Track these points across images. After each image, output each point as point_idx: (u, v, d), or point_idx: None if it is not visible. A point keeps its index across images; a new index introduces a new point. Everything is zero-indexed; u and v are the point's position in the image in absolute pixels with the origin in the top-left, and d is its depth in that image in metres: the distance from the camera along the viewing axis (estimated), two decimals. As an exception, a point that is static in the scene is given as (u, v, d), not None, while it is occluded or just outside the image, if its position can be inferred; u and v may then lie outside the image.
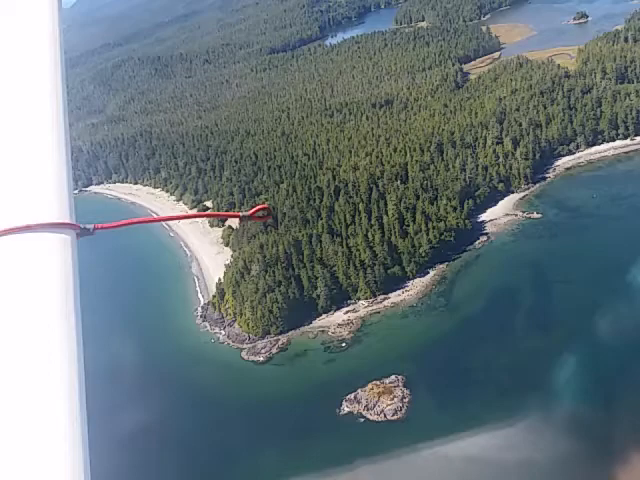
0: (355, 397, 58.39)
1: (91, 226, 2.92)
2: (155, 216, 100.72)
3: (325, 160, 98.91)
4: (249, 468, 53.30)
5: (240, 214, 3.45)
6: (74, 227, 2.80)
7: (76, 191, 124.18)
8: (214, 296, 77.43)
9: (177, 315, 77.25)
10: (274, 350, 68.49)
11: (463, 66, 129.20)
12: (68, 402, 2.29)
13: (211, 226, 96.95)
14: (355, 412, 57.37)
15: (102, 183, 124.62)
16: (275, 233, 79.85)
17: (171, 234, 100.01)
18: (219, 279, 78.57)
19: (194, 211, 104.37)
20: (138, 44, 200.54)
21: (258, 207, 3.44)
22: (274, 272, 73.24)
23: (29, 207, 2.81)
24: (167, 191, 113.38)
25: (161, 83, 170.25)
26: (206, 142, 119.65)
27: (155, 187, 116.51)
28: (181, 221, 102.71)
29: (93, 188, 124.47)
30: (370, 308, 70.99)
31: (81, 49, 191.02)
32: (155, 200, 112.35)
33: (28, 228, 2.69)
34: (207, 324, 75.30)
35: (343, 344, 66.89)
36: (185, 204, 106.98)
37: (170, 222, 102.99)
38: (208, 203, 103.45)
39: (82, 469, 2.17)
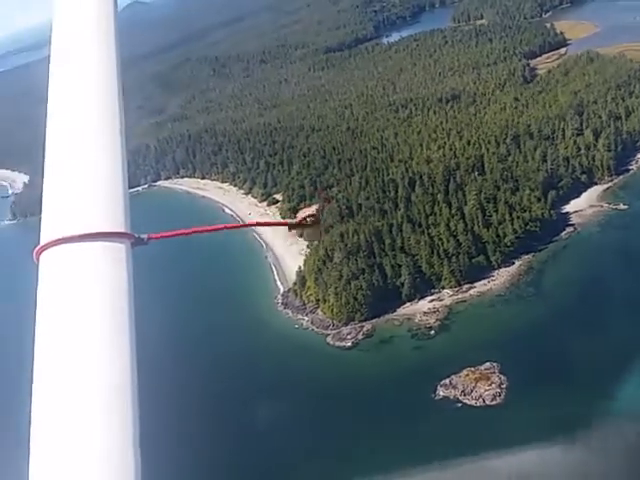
0: (450, 382, 57.98)
1: (145, 236, 2.98)
2: (226, 216, 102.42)
3: (395, 153, 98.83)
4: (347, 452, 53.26)
5: (288, 222, 3.34)
6: (129, 237, 2.84)
7: (145, 186, 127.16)
8: (295, 283, 78.03)
9: (259, 303, 77.96)
10: (360, 336, 68.50)
11: (529, 61, 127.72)
12: (120, 406, 2.32)
13: (283, 218, 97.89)
14: (451, 397, 56.93)
15: (170, 178, 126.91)
16: (354, 222, 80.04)
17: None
18: (299, 267, 79.15)
19: (264, 204, 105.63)
20: (195, 46, 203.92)
21: (306, 214, 3.35)
22: (356, 260, 73.38)
23: (86, 216, 2.83)
24: (235, 185, 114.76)
25: (220, 83, 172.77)
26: (271, 138, 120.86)
27: (222, 181, 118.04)
28: (251, 214, 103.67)
29: (162, 183, 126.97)
30: (455, 297, 70.42)
31: (139, 51, 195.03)
32: (224, 194, 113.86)
33: (85, 237, 2.71)
34: (289, 311, 75.84)
35: (431, 332, 66.51)
36: (254, 197, 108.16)
37: (243, 213, 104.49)
38: (278, 196, 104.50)
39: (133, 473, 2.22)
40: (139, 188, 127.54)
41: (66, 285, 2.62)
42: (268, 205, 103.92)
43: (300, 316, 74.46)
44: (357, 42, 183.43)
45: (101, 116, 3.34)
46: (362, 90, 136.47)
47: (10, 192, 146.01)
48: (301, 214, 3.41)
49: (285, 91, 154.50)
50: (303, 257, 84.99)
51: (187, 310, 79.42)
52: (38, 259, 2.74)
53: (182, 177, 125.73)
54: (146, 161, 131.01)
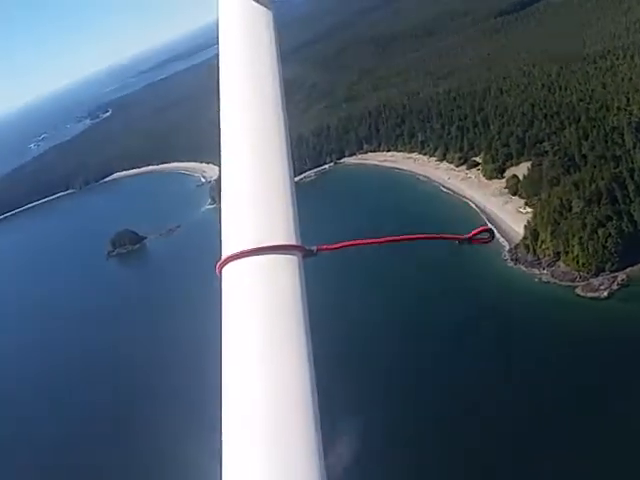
0: None
1: (314, 247, 2.90)
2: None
3: (610, 102, 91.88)
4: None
5: (460, 237, 3.08)
6: (300, 249, 2.83)
7: (331, 164, 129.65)
8: (525, 238, 74.82)
9: (486, 262, 75.54)
10: (614, 286, 63.94)
11: None
12: (301, 414, 2.36)
13: (489, 179, 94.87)
14: None
15: (354, 154, 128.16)
16: (587, 171, 75.13)
17: (443, 189, 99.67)
18: (527, 221, 75.84)
19: (462, 168, 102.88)
20: (355, 28, 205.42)
21: (479, 229, 3.04)
22: (599, 208, 68.66)
23: (262, 230, 2.85)
24: (425, 153, 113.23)
25: (384, 61, 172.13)
26: (455, 103, 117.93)
27: (410, 151, 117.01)
28: (450, 178, 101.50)
29: (346, 160, 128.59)
30: None
31: (301, 39, 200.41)
32: (414, 163, 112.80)
33: (262, 250, 2.75)
34: (522, 266, 72.86)
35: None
36: (449, 162, 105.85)
37: (440, 178, 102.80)
38: (476, 159, 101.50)
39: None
40: (325, 166, 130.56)
41: (247, 297, 2.69)
42: (468, 168, 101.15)
43: (536, 270, 71.23)
44: (524, 4, 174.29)
45: (269, 125, 3.27)
46: (546, 47, 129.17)
47: (203, 181, 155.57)
48: (475, 230, 3.02)
49: (458, 59, 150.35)
50: (522, 213, 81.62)
51: (406, 277, 78.57)
52: (220, 272, 2.83)
53: (366, 152, 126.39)
54: (328, 140, 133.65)
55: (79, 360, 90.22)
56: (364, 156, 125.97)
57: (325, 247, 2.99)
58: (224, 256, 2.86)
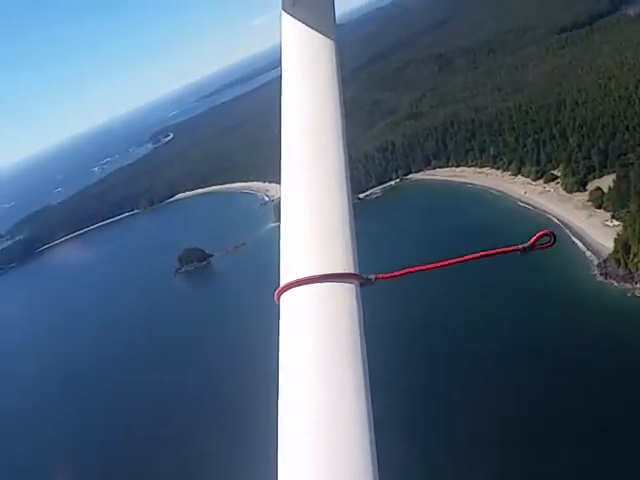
0: None
1: (372, 276, 2.91)
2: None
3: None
4: None
5: (520, 247, 2.95)
6: (357, 277, 2.85)
7: (398, 180, 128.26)
8: (615, 251, 71.28)
9: (574, 277, 72.26)
10: None
11: None
12: (358, 442, 2.35)
13: (569, 192, 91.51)
14: None
15: (421, 170, 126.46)
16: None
17: (520, 203, 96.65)
18: (617, 234, 72.35)
19: (540, 181, 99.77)
20: (416, 46, 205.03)
21: (539, 234, 2.91)
22: (699, 219, 64.81)
23: (320, 258, 2.89)
24: (498, 168, 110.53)
25: (449, 78, 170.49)
26: (528, 117, 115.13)
27: (481, 166, 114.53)
28: (527, 192, 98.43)
29: (413, 176, 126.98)
30: None
31: (362, 59, 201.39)
32: (487, 177, 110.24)
33: (321, 278, 2.79)
34: (613, 281, 69.31)
35: None
36: (525, 176, 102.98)
37: (517, 193, 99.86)
38: (555, 172, 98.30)
39: None
40: (392, 182, 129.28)
41: (304, 326, 2.71)
42: (546, 182, 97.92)
43: (629, 285, 67.64)
44: (592, 19, 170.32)
45: (329, 152, 3.29)
46: (621, 61, 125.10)
47: (266, 200, 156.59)
48: (534, 237, 2.93)
49: (525, 75, 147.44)
50: (609, 227, 78.07)
51: (494, 299, 75.78)
52: (278, 299, 2.87)
53: (434, 168, 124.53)
54: (394, 157, 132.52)
55: (148, 373, 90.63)
56: (432, 172, 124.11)
57: (383, 276, 2.97)
58: (282, 283, 2.87)
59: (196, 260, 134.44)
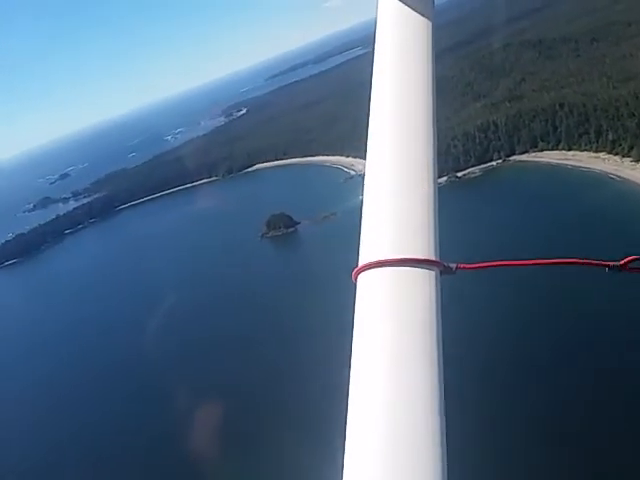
0: None
1: (454, 265, 2.85)
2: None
3: None
4: None
5: (610, 264, 2.86)
6: (438, 265, 2.80)
7: (500, 160, 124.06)
8: None
9: None
10: None
11: None
12: (429, 434, 2.31)
13: None
14: None
15: (526, 152, 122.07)
16: None
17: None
18: None
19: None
20: (514, 30, 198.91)
21: (631, 258, 2.82)
22: None
23: (401, 241, 2.83)
24: (616, 154, 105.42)
25: (549, 64, 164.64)
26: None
27: (596, 151, 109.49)
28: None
29: (517, 157, 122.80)
30: None
31: (458, 38, 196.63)
32: (604, 163, 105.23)
33: (400, 262, 2.74)
34: None
35: None
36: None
37: (635, 181, 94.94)
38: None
39: None
40: (493, 163, 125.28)
41: (381, 308, 2.67)
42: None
43: None
44: None
45: (417, 134, 3.21)
46: None
47: (352, 174, 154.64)
48: (627, 258, 2.81)
49: (635, 64, 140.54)
50: None
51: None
52: (356, 279, 2.85)
53: (541, 150, 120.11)
54: (496, 137, 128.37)
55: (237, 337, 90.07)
56: (538, 154, 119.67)
57: (466, 266, 2.86)
58: (361, 263, 2.81)
59: (284, 226, 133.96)
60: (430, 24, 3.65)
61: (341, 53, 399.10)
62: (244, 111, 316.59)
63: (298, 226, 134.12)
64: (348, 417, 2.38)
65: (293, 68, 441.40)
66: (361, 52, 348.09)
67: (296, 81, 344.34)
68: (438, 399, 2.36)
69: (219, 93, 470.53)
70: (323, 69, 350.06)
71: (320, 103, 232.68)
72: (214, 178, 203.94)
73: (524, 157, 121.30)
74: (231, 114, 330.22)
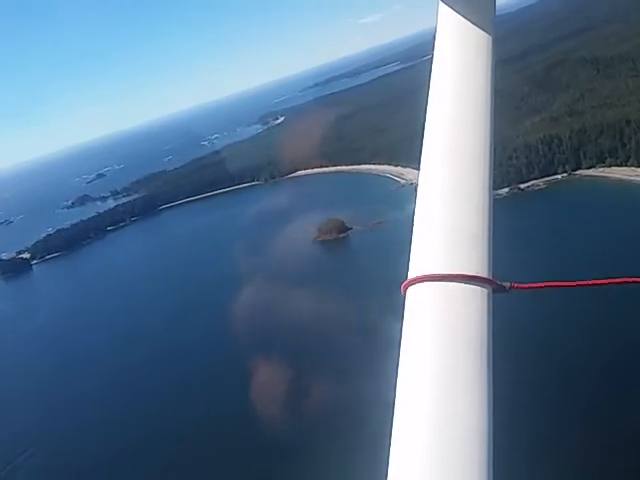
0: None
1: (508, 284, 2.78)
2: None
3: None
4: None
5: None
6: (491, 283, 2.73)
7: (565, 174, 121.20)
8: None
9: None
10: None
11: None
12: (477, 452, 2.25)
13: None
14: None
15: (593, 167, 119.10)
16: None
17: None
18: None
19: None
20: (570, 46, 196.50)
21: None
22: None
23: (452, 256, 2.76)
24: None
25: (608, 82, 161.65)
26: None
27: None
28: None
29: (582, 172, 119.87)
30: None
31: (514, 52, 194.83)
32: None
33: (451, 277, 2.68)
34: None
35: None
36: None
37: None
38: None
39: None
40: (558, 176, 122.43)
41: (430, 324, 2.59)
42: None
43: None
44: None
45: (474, 148, 3.13)
46: None
47: (403, 183, 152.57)
48: None
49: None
50: None
51: None
52: (405, 292, 2.78)
53: (609, 166, 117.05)
54: (560, 150, 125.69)
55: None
56: (606, 170, 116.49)
57: (520, 285, 2.79)
58: (411, 275, 2.75)
59: (335, 231, 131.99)
60: (490, 38, 3.53)
61: (377, 68, 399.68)
62: (281, 119, 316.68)
63: (349, 232, 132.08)
64: (393, 435, 2.27)
65: (327, 81, 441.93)
66: (397, 67, 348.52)
67: (332, 93, 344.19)
68: (486, 425, 2.23)
69: (251, 103, 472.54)
70: (359, 82, 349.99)
71: (360, 114, 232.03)
72: (256, 182, 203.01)
73: (591, 172, 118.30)
74: (267, 122, 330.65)
